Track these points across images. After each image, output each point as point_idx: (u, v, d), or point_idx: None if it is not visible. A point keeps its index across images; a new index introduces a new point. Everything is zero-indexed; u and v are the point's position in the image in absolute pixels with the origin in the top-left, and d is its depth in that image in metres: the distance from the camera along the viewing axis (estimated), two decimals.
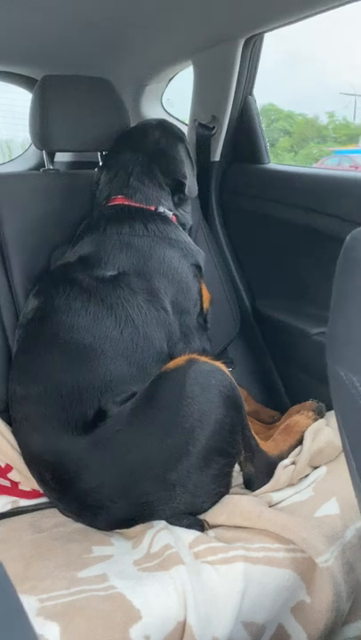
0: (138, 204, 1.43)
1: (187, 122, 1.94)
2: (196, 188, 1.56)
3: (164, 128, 1.54)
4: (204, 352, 1.31)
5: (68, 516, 1.18)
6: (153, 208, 1.43)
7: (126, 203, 1.43)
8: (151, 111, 2.10)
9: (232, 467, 1.16)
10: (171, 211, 1.47)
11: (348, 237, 0.63)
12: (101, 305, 1.24)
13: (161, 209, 1.43)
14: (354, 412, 0.57)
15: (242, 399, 1.17)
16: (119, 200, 1.45)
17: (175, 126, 1.58)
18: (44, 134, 1.54)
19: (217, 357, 1.42)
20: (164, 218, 1.42)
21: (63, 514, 1.19)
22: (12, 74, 2.06)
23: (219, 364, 1.18)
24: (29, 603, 0.88)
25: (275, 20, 1.46)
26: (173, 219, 1.47)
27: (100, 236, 1.37)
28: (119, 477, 1.08)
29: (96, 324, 1.22)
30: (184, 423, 1.08)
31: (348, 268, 0.61)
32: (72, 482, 1.11)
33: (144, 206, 1.43)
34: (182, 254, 1.39)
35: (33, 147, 2.24)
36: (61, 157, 2.11)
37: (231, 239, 1.87)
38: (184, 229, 1.50)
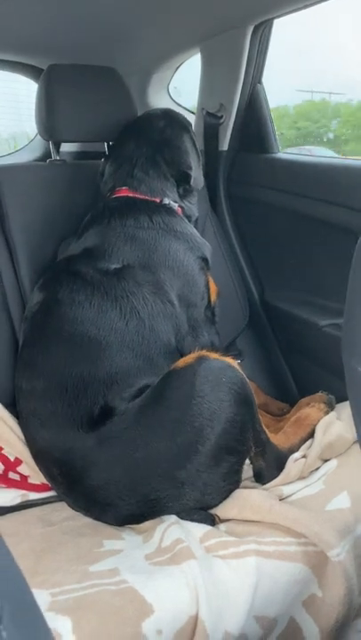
0: (142, 196, 1.41)
1: (194, 111, 1.91)
2: (202, 179, 1.54)
3: (170, 117, 1.51)
4: (212, 345, 1.30)
5: (78, 511, 1.18)
6: (158, 200, 1.41)
7: (131, 194, 1.41)
8: (158, 100, 2.08)
9: (242, 464, 1.15)
10: (176, 202, 1.44)
11: None
12: (105, 297, 1.23)
13: (166, 201, 1.41)
14: None
15: (253, 395, 1.15)
16: (124, 192, 1.43)
17: (181, 115, 1.55)
18: (49, 124, 1.52)
19: (225, 349, 1.41)
20: (169, 210, 1.40)
21: (72, 508, 1.19)
22: (17, 63, 2.03)
23: (229, 360, 1.16)
24: (41, 597, 0.88)
25: (285, 5, 1.43)
26: (179, 210, 1.45)
27: (105, 228, 1.35)
28: (127, 475, 1.07)
29: (100, 317, 1.20)
30: (194, 422, 1.06)
31: None
32: (79, 478, 1.10)
33: (149, 198, 1.41)
34: (188, 247, 1.37)
35: (39, 137, 2.22)
36: (68, 148, 2.09)
37: (240, 230, 1.85)
38: (190, 221, 1.48)
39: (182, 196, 1.48)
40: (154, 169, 1.43)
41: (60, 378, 1.16)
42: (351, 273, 0.61)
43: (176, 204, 1.44)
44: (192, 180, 1.46)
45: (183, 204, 1.48)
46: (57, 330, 1.21)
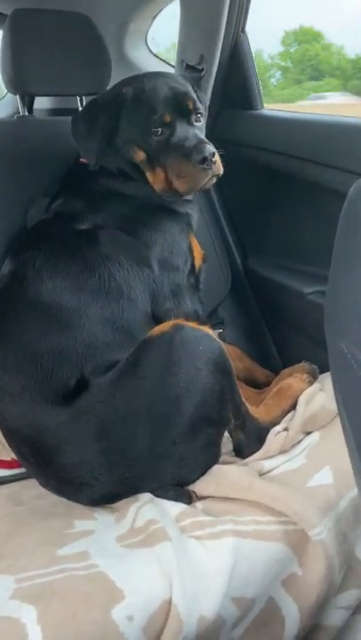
0: None
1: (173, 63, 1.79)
2: None
3: None
4: (195, 314, 1.24)
5: (49, 490, 1.13)
6: None
7: None
8: (135, 52, 1.95)
9: (221, 436, 1.12)
10: None
11: (351, 189, 0.54)
12: (84, 265, 1.17)
13: None
14: (356, 389, 0.50)
15: (231, 365, 1.11)
16: None
17: None
18: (17, 76, 1.42)
19: (207, 318, 1.35)
20: None
21: (44, 487, 1.14)
22: None
23: (206, 329, 1.12)
24: (5, 583, 0.84)
25: None
26: None
27: (82, 189, 1.29)
28: (102, 452, 1.02)
29: (79, 286, 1.15)
30: (170, 393, 1.02)
31: (352, 224, 0.52)
32: (51, 457, 1.05)
33: None
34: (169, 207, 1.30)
35: (10, 94, 2.09)
36: (40, 104, 1.97)
37: (222, 192, 1.78)
38: None
39: None
40: None
41: (34, 351, 1.10)
42: (337, 237, 0.55)
43: None
44: None
45: None
46: (32, 301, 1.15)
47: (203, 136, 1.22)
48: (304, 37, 2.67)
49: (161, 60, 1.99)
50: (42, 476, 1.12)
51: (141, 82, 1.25)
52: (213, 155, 1.16)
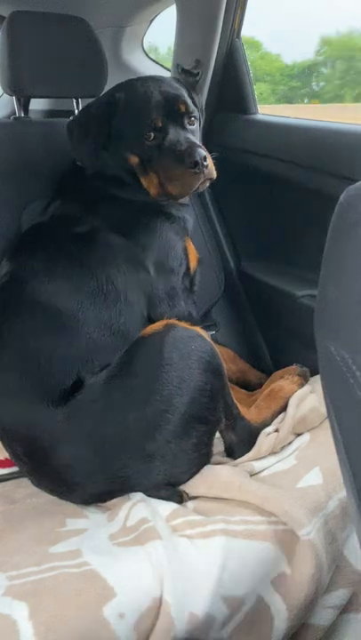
0: None
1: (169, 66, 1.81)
2: None
3: None
4: (189, 316, 1.25)
5: (42, 490, 1.13)
6: None
7: None
8: (132, 55, 1.96)
9: (213, 435, 1.12)
10: None
11: (342, 195, 0.55)
12: (82, 268, 1.18)
13: None
14: (345, 392, 0.52)
15: (223, 366, 1.13)
16: None
17: None
18: (13, 77, 1.42)
19: (200, 320, 1.36)
20: None
21: (37, 486, 1.14)
22: None
23: (199, 329, 1.13)
24: None
25: None
26: None
27: (79, 192, 1.30)
28: (95, 452, 1.03)
29: (77, 289, 1.16)
30: (162, 391, 1.03)
31: (343, 230, 0.53)
32: (46, 456, 1.06)
33: None
34: (165, 211, 1.31)
35: (6, 95, 2.09)
36: (36, 106, 1.97)
37: (216, 195, 1.78)
38: None
39: None
40: None
41: (32, 352, 1.10)
42: (327, 242, 0.56)
43: None
44: None
45: None
46: (31, 303, 1.16)
47: (196, 139, 1.22)
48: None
49: (157, 63, 2.00)
50: (35, 476, 1.13)
51: (134, 87, 1.26)
52: (205, 158, 1.16)
